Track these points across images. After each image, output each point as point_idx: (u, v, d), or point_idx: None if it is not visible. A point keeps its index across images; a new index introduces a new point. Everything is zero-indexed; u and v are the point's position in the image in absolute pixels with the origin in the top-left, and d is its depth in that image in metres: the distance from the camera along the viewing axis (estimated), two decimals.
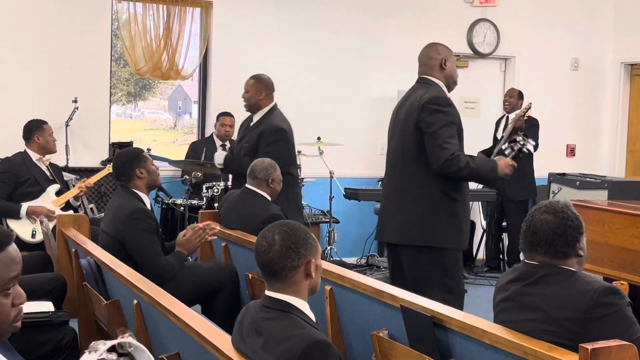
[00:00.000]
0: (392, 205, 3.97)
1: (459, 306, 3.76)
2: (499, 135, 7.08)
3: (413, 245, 3.87)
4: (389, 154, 4.08)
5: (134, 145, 7.35)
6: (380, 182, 7.64)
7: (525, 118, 6.78)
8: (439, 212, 3.83)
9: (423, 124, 3.77)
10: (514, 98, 7.23)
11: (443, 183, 3.82)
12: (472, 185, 4.06)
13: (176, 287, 3.82)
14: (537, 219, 2.49)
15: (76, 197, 5.60)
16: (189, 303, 3.95)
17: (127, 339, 1.66)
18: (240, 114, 7.02)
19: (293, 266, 2.20)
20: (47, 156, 5.68)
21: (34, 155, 5.58)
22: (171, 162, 6.66)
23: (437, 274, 3.83)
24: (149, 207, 4.15)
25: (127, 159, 4.18)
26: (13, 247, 1.69)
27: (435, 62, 3.93)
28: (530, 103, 6.84)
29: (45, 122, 5.66)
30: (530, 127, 6.87)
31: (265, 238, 2.24)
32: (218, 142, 6.88)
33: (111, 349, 1.58)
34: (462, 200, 3.91)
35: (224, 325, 3.95)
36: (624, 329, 2.28)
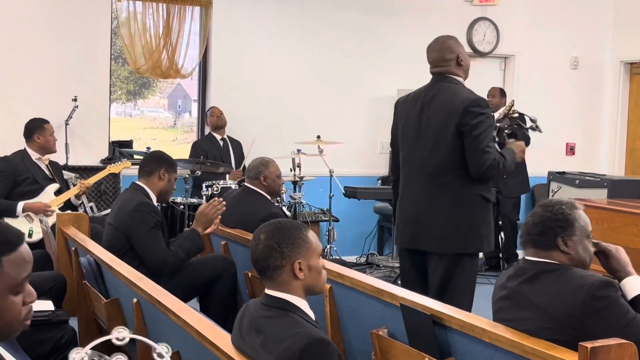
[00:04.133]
0: (426, 212, 3.74)
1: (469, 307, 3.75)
2: None
3: (453, 253, 3.71)
4: (412, 156, 3.81)
5: (134, 145, 7.40)
6: (380, 181, 7.65)
7: (510, 115, 6.78)
8: (479, 217, 3.72)
9: (466, 128, 3.61)
10: (496, 97, 7.21)
11: (479, 186, 3.71)
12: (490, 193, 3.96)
13: (173, 282, 3.85)
14: (532, 212, 2.59)
15: (77, 196, 5.59)
16: (188, 296, 3.99)
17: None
18: (240, 112, 7.04)
19: (277, 266, 2.20)
20: (47, 155, 5.68)
21: (34, 154, 5.57)
22: None
23: (463, 279, 3.74)
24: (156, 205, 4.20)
25: (160, 157, 4.30)
26: (25, 247, 1.68)
27: (452, 62, 3.79)
28: (513, 101, 6.86)
29: (46, 122, 5.64)
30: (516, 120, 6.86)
31: (255, 236, 2.26)
32: (218, 137, 6.89)
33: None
34: (492, 201, 3.84)
35: (222, 315, 3.98)
36: (619, 318, 2.32)
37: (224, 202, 4.20)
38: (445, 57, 3.80)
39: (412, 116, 3.84)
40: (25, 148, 5.59)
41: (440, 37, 3.90)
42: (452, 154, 3.67)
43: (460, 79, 3.84)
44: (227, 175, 6.45)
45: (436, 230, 3.72)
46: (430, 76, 3.91)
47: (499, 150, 3.83)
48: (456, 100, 3.69)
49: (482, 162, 3.61)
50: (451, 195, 3.71)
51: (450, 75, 3.81)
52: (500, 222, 7.31)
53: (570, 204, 2.55)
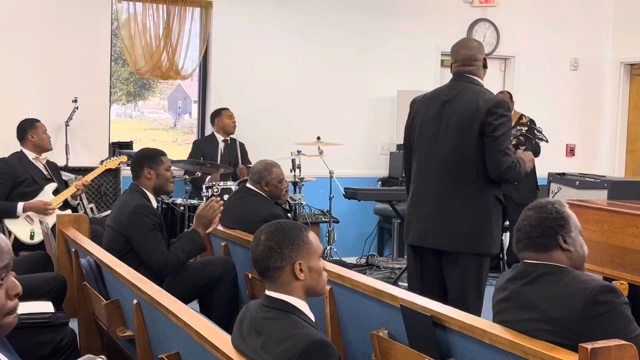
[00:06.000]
0: (440, 210, 3.74)
1: (480, 309, 3.80)
2: None
3: (461, 253, 3.73)
4: (431, 154, 3.79)
5: (134, 146, 7.38)
6: (380, 182, 7.65)
7: (520, 123, 6.82)
8: (493, 218, 3.76)
9: (488, 128, 3.64)
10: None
11: (494, 188, 3.75)
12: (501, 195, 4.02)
13: (173, 285, 3.85)
14: (521, 217, 2.56)
15: (74, 196, 5.57)
16: (188, 299, 3.99)
17: None
18: (240, 113, 7.04)
19: (277, 267, 2.20)
20: (44, 154, 5.68)
21: (30, 155, 5.58)
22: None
23: (475, 279, 3.78)
24: (154, 206, 4.18)
25: (141, 156, 4.28)
26: (1, 237, 1.69)
27: (481, 62, 3.83)
28: (528, 118, 6.89)
29: (37, 120, 5.65)
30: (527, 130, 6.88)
31: (255, 237, 2.27)
32: (220, 138, 6.87)
33: None
34: (504, 203, 3.88)
35: (223, 317, 3.98)
36: (621, 327, 2.29)
37: (222, 202, 4.19)
38: (477, 57, 3.83)
39: (432, 114, 3.83)
40: (21, 149, 5.60)
41: (468, 38, 3.92)
42: (474, 154, 3.69)
43: (481, 82, 3.87)
44: (208, 178, 6.34)
45: (450, 228, 3.73)
46: (449, 76, 3.93)
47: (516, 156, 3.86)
48: (480, 100, 3.71)
49: (501, 163, 3.64)
50: (470, 194, 3.72)
51: (474, 76, 3.83)
52: (505, 224, 7.31)
53: (559, 202, 2.57)
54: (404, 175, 4.15)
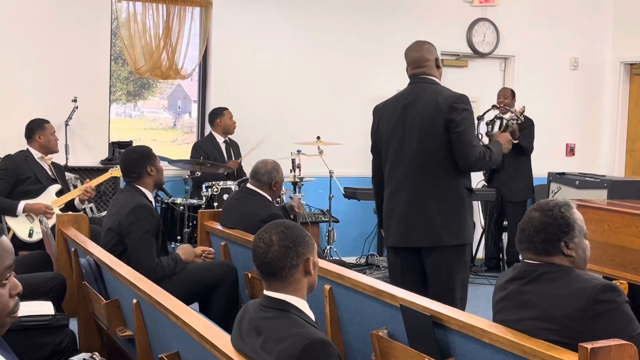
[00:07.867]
0: (417, 209, 3.82)
1: (466, 298, 3.90)
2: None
3: (444, 246, 3.80)
4: (400, 157, 3.90)
5: (134, 145, 7.35)
6: None
7: (519, 122, 6.83)
8: (465, 208, 3.86)
9: (453, 124, 3.73)
10: (508, 99, 7.19)
11: (464, 178, 3.86)
12: (472, 185, 4.08)
13: (173, 286, 3.84)
14: (526, 216, 2.55)
15: (82, 200, 5.55)
16: (187, 301, 3.98)
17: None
18: (240, 113, 7.03)
19: (292, 265, 2.21)
20: (49, 155, 5.68)
21: (36, 154, 5.58)
22: (171, 162, 6.66)
23: (460, 270, 3.86)
24: (152, 206, 4.18)
25: (139, 156, 4.23)
26: (4, 238, 1.72)
27: (432, 62, 3.94)
28: (524, 107, 6.92)
29: (47, 122, 5.66)
30: (524, 129, 6.90)
31: (262, 239, 2.24)
32: (221, 139, 6.86)
33: None
34: (474, 192, 4.01)
35: (222, 321, 3.98)
36: (622, 326, 2.29)
37: (212, 255, 4.33)
38: (427, 57, 3.95)
39: (395, 118, 3.94)
40: (27, 148, 5.60)
41: (418, 40, 4.05)
42: (440, 149, 3.78)
43: (438, 81, 3.96)
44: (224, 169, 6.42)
45: (427, 225, 3.80)
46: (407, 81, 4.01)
47: (486, 144, 4.02)
48: (440, 98, 3.81)
49: (469, 156, 3.75)
50: (443, 189, 3.81)
51: (430, 76, 3.93)
52: (504, 224, 7.31)
53: (567, 205, 2.54)
54: (372, 182, 4.20)
